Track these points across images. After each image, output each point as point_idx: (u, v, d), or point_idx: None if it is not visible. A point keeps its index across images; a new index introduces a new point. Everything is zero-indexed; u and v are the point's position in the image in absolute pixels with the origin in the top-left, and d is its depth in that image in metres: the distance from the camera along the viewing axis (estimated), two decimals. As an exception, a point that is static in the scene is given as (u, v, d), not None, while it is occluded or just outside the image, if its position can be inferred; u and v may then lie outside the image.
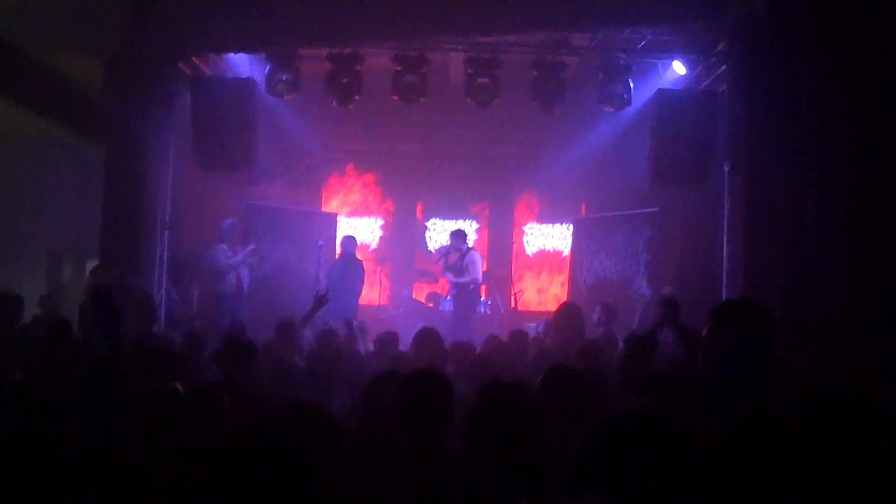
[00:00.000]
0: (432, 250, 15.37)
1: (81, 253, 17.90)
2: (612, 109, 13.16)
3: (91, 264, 15.04)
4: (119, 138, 12.20)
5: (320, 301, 9.39)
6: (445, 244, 13.58)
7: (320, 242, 14.85)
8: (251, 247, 13.72)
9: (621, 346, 9.93)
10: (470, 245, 14.65)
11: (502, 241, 17.67)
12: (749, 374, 3.50)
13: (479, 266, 14.18)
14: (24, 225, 17.60)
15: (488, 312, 15.54)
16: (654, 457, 2.22)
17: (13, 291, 10.11)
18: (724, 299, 11.76)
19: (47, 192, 17.69)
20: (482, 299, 15.52)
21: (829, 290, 9.98)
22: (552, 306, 16.16)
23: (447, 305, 15.15)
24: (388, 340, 9.02)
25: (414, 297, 16.06)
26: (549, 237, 17.85)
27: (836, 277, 9.89)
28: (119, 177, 12.20)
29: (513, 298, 16.54)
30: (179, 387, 5.38)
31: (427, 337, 8.54)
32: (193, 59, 12.66)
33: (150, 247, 12.64)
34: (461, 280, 13.87)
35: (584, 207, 17.50)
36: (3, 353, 8.20)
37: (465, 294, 13.95)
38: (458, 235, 14.29)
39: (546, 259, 17.86)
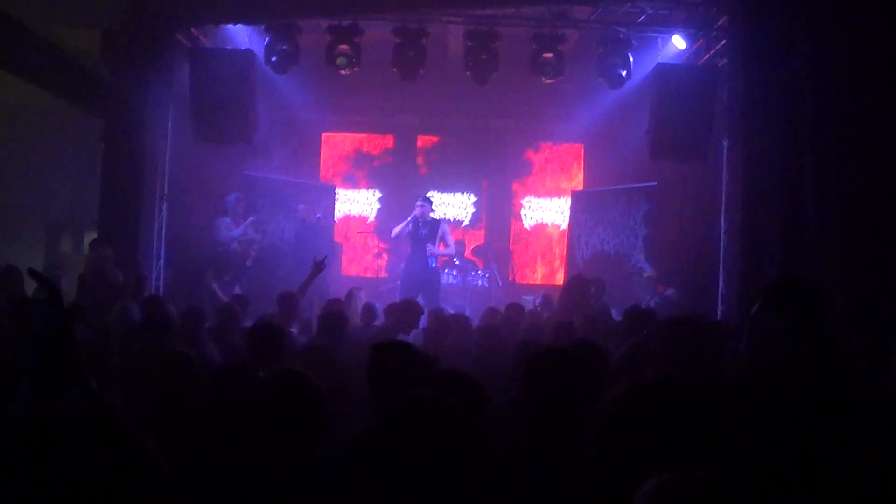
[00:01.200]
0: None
1: (80, 226, 17.93)
2: (611, 83, 13.10)
3: (89, 237, 15.06)
4: (117, 110, 12.20)
5: (319, 267, 9.38)
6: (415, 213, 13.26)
7: (318, 214, 14.87)
8: (251, 219, 13.73)
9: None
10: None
11: (500, 215, 17.68)
12: (795, 356, 3.44)
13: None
14: (22, 198, 17.58)
15: (485, 285, 15.55)
16: (685, 424, 2.25)
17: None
18: (721, 273, 11.81)
19: (46, 166, 17.67)
20: (480, 272, 15.53)
21: (827, 266, 10.00)
22: (550, 280, 16.27)
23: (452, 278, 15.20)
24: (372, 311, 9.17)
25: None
26: (547, 210, 17.84)
27: (833, 253, 9.90)
28: (117, 149, 12.21)
29: (511, 272, 16.57)
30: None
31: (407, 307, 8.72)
32: (192, 30, 12.63)
33: (148, 219, 12.65)
34: (445, 252, 13.73)
35: (582, 181, 17.49)
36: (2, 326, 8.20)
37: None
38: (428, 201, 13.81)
39: (544, 233, 17.86)
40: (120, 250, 11.53)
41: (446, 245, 13.48)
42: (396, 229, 13.39)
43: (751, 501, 1.77)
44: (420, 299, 12.33)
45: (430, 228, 13.10)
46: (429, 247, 13.04)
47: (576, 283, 10.62)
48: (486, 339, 7.22)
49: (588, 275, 12.01)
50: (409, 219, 13.19)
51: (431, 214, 13.45)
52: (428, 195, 14.22)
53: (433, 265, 13.28)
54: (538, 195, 17.88)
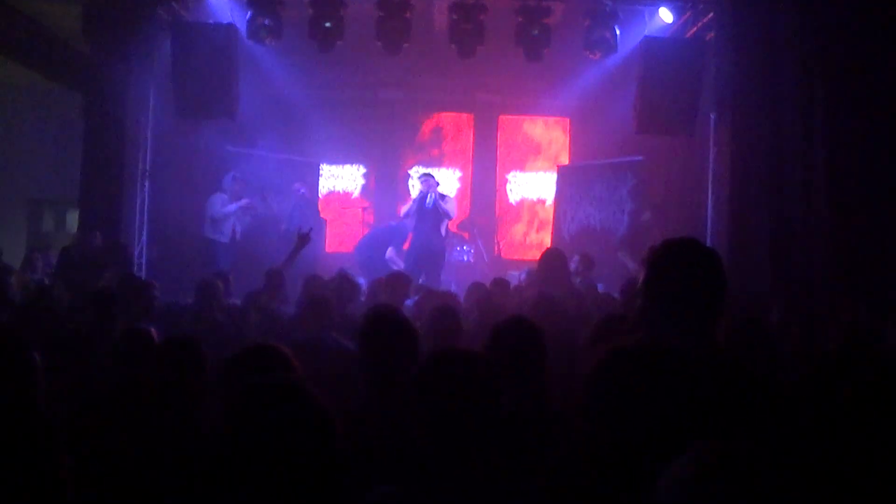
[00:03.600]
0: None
1: (62, 203, 17.80)
2: (597, 56, 12.99)
3: (72, 214, 14.97)
4: (98, 86, 12.10)
5: (303, 241, 9.29)
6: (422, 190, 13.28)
7: (301, 190, 14.80)
8: (245, 200, 13.69)
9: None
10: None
11: (486, 190, 17.60)
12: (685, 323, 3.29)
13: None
14: (3, 176, 17.46)
15: (471, 260, 15.49)
16: (668, 389, 2.20)
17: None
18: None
19: (27, 143, 17.53)
20: (465, 247, 15.49)
21: (813, 238, 10.00)
22: (536, 255, 16.18)
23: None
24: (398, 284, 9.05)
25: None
26: (532, 185, 17.77)
27: (819, 225, 9.90)
28: (98, 125, 12.12)
29: (496, 246, 16.50)
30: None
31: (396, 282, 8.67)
32: (173, 3, 12.46)
33: (130, 195, 12.55)
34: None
35: (568, 156, 17.41)
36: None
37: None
38: (431, 177, 13.83)
39: (531, 207, 17.79)
40: (104, 231, 11.47)
41: (449, 217, 13.58)
42: (405, 208, 13.44)
43: (793, 473, 1.71)
44: (423, 276, 12.37)
45: (436, 202, 13.11)
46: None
47: (549, 256, 10.53)
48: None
49: (579, 250, 11.97)
50: (417, 196, 13.21)
51: (438, 188, 13.48)
52: (413, 170, 14.19)
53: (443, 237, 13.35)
54: (524, 169, 17.80)
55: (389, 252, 14.33)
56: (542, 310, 6.74)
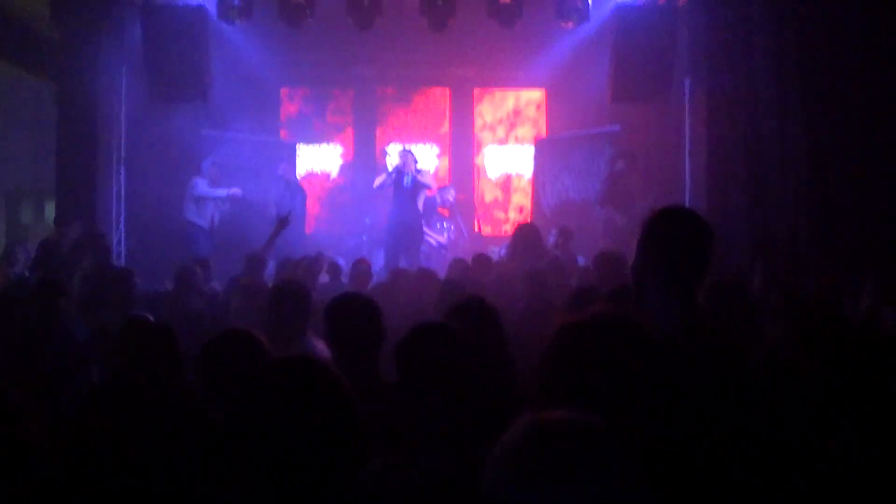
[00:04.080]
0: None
1: (40, 194, 17.70)
2: (570, 25, 12.94)
3: (50, 205, 14.88)
4: (69, 73, 12.02)
5: (282, 223, 9.27)
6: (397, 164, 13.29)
7: (280, 172, 14.78)
8: (236, 189, 13.68)
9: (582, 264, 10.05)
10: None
11: (464, 165, 17.55)
12: (676, 290, 3.37)
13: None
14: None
15: (451, 238, 15.47)
16: (620, 362, 2.19)
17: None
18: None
19: (3, 134, 17.41)
20: (445, 224, 15.46)
21: (790, 201, 10.03)
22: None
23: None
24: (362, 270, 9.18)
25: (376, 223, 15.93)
26: (510, 159, 17.72)
27: (798, 187, 9.93)
28: (71, 112, 12.05)
29: (476, 223, 16.47)
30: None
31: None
32: (142, -14, 12.35)
33: (106, 183, 12.50)
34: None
35: (546, 128, 17.37)
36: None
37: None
38: (411, 153, 13.86)
39: (508, 182, 17.75)
40: (82, 220, 11.42)
41: (432, 191, 13.54)
42: (378, 180, 13.35)
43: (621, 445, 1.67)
44: (401, 257, 12.38)
45: (415, 179, 13.06)
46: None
47: (522, 231, 10.55)
48: (448, 293, 7.15)
49: (559, 223, 12.00)
50: (392, 170, 13.15)
51: (416, 165, 13.44)
52: (390, 147, 14.15)
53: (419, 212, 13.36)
54: (501, 144, 17.75)
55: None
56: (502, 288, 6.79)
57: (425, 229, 14.04)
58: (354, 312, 4.15)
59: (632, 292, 3.29)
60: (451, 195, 15.17)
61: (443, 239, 14.79)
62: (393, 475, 2.70)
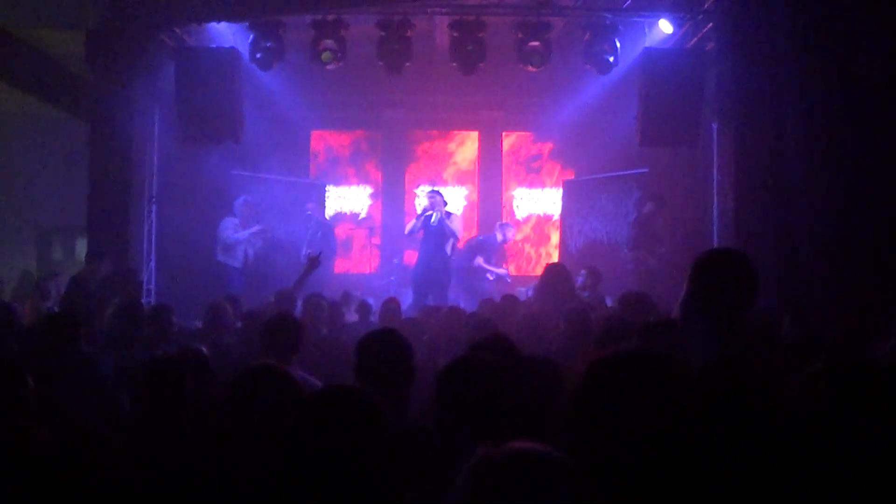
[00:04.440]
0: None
1: (71, 231, 17.87)
2: (598, 70, 13.02)
3: (81, 242, 15.01)
4: (103, 113, 12.17)
5: (313, 263, 9.32)
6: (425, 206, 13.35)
7: (308, 211, 14.91)
8: (258, 227, 13.76)
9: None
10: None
11: (492, 207, 17.59)
12: (720, 325, 3.43)
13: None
14: (12, 205, 17.55)
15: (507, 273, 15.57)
16: (649, 398, 2.19)
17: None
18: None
19: (35, 172, 17.62)
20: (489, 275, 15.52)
21: (820, 247, 9.98)
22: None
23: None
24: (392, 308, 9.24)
25: (405, 264, 15.98)
26: (538, 201, 17.76)
27: (826, 234, 9.89)
28: (104, 152, 12.18)
29: (505, 264, 16.48)
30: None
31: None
32: (176, 29, 12.53)
33: (137, 221, 12.63)
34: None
35: (573, 171, 17.41)
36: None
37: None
38: (439, 193, 13.80)
39: (537, 224, 17.77)
40: (113, 257, 11.54)
41: (455, 237, 13.51)
42: (409, 225, 13.40)
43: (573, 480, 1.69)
44: (430, 297, 12.40)
45: (442, 221, 13.06)
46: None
47: (552, 271, 10.56)
48: (477, 330, 7.17)
49: (587, 264, 12.01)
50: (421, 213, 13.19)
51: (445, 207, 13.43)
52: (419, 189, 14.21)
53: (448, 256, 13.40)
54: (530, 186, 17.80)
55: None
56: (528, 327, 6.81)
57: (484, 265, 14.43)
58: (386, 348, 4.19)
59: (676, 326, 3.38)
60: (510, 232, 15.22)
61: (502, 271, 14.90)
62: None
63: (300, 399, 3.45)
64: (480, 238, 15.46)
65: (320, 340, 7.85)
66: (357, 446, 2.28)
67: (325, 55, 12.52)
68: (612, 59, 12.71)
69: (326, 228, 15.14)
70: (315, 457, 2.29)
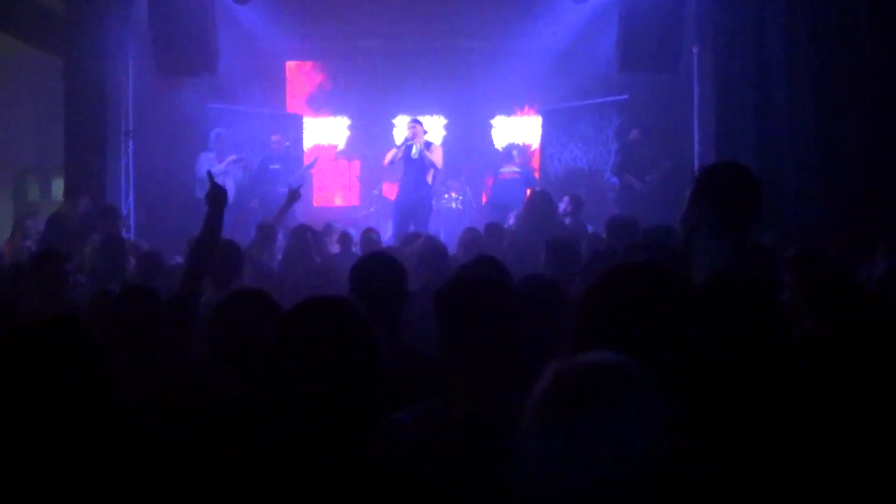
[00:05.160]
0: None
1: (47, 172, 17.71)
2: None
3: (57, 183, 14.87)
4: (76, 48, 12.02)
5: (293, 196, 9.31)
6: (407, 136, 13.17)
7: (286, 144, 14.79)
8: (232, 157, 13.59)
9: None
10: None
11: (471, 136, 17.50)
12: (729, 240, 3.43)
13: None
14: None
15: (460, 207, 15.49)
16: (660, 308, 2.18)
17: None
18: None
19: (9, 112, 17.40)
20: (453, 195, 15.49)
21: (801, 167, 10.03)
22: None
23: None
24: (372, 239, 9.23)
25: (384, 195, 15.94)
26: (517, 129, 17.67)
27: (810, 157, 9.92)
28: (79, 88, 12.08)
29: (484, 192, 16.47)
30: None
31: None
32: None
33: (114, 157, 12.52)
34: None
35: (552, 98, 17.31)
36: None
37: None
38: (419, 123, 13.60)
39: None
40: (91, 194, 11.46)
41: (436, 168, 13.32)
42: (389, 155, 13.22)
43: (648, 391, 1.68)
44: (410, 226, 12.35)
45: (422, 154, 12.93)
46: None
47: (536, 199, 10.56)
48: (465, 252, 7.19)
49: (568, 191, 12.01)
50: (402, 143, 13.04)
51: (425, 136, 13.28)
52: (398, 119, 14.10)
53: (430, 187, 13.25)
54: (508, 114, 17.71)
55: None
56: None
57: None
58: (380, 270, 4.20)
59: (681, 242, 3.42)
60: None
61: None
62: (428, 421, 2.74)
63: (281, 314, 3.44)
64: None
65: (314, 269, 7.87)
66: (352, 359, 2.25)
67: None
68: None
69: (290, 160, 14.94)
70: (306, 373, 2.25)
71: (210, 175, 5.61)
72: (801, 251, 4.61)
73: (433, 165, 13.07)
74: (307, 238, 8.71)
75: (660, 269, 2.24)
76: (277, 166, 14.19)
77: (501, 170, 14.62)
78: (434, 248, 6.91)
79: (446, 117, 17.59)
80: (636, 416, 1.62)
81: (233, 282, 6.00)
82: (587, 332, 2.20)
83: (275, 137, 14.76)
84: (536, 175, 15.58)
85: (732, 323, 2.63)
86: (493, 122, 17.68)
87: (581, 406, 1.63)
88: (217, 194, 5.38)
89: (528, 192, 12.79)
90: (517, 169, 14.55)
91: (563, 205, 10.99)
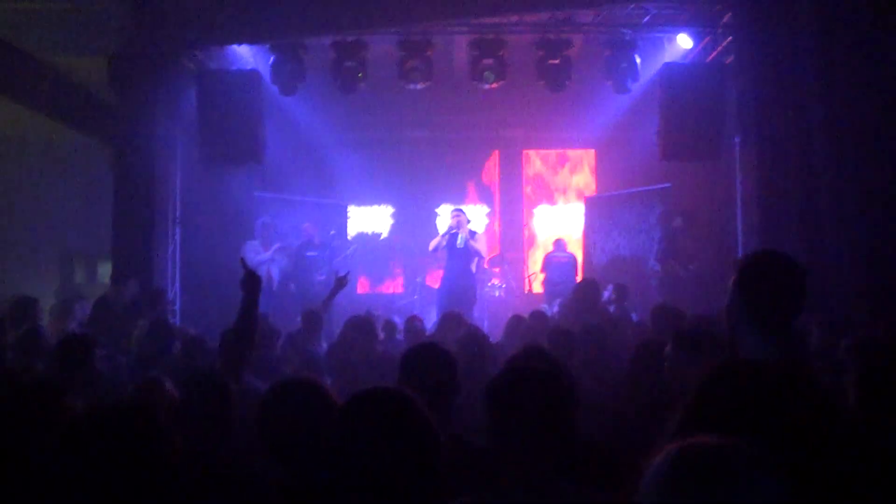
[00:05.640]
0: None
1: (93, 255, 17.94)
2: (616, 90, 13.03)
3: (103, 266, 15.05)
4: (126, 136, 12.22)
5: (341, 283, 9.33)
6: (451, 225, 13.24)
7: (332, 232, 14.90)
8: (277, 245, 13.71)
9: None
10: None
11: (513, 224, 17.61)
12: (774, 331, 3.40)
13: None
14: (35, 229, 17.62)
15: (502, 295, 15.49)
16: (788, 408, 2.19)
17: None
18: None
19: (57, 197, 17.69)
20: (496, 283, 15.51)
21: (845, 260, 9.94)
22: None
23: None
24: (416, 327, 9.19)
25: (427, 283, 15.99)
26: (560, 218, 17.75)
27: (852, 243, 9.84)
28: (128, 175, 12.23)
29: (526, 281, 16.50)
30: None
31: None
32: (197, 52, 12.61)
33: (162, 243, 12.67)
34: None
35: (595, 187, 17.41)
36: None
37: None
38: (462, 212, 13.53)
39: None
40: (138, 279, 11.57)
41: (480, 256, 13.38)
42: (433, 242, 13.28)
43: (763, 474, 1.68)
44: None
45: (467, 243, 12.98)
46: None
47: (583, 287, 10.56)
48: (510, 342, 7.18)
49: (611, 280, 11.98)
50: (445, 231, 13.11)
51: (469, 225, 13.34)
52: (441, 208, 14.19)
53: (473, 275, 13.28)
54: (551, 203, 17.80)
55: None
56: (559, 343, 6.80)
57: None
58: (432, 359, 4.16)
59: (727, 335, 3.39)
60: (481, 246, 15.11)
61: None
62: None
63: (335, 405, 3.41)
64: None
65: (376, 358, 7.85)
66: (414, 452, 2.25)
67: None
68: (631, 76, 12.72)
69: (334, 249, 15.02)
70: (365, 465, 2.25)
71: (243, 261, 5.56)
72: (863, 337, 4.59)
73: (478, 254, 13.12)
74: (364, 328, 8.67)
75: (784, 371, 2.26)
76: (315, 253, 14.26)
77: (555, 254, 14.75)
78: (475, 337, 6.90)
79: (489, 206, 17.71)
80: (755, 496, 1.63)
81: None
82: (699, 420, 2.19)
83: (306, 225, 14.79)
84: (581, 265, 15.65)
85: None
86: (535, 210, 17.76)
87: (703, 486, 1.65)
88: (251, 281, 5.34)
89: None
90: (565, 253, 14.68)
91: (606, 293, 10.98)
